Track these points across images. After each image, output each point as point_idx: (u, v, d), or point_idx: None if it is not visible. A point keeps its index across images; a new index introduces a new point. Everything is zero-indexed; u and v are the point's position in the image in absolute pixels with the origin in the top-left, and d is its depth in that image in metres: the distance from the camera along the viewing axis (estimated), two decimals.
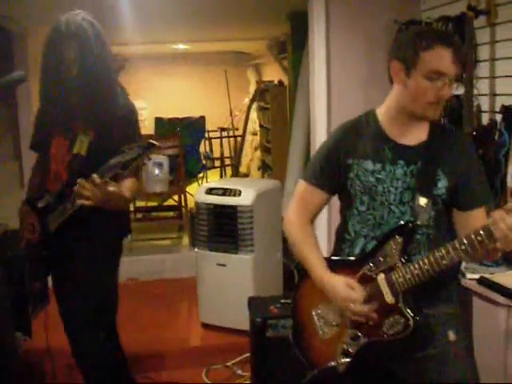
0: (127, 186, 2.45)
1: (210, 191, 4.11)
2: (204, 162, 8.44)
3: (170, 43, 9.11)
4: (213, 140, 9.59)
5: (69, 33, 2.43)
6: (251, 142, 9.67)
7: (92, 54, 2.44)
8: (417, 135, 2.02)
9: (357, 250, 2.08)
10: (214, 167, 9.26)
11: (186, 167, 7.27)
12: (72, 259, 2.57)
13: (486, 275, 2.70)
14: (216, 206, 4.04)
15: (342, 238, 2.16)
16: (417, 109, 1.94)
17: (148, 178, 5.85)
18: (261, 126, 8.32)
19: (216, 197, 4.06)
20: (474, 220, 1.92)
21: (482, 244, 1.73)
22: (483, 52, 3.19)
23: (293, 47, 5.80)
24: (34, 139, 2.75)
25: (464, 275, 2.75)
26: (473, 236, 1.74)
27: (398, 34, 2.04)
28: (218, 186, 4.15)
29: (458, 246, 1.78)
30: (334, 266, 2.07)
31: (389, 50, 1.99)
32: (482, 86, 3.21)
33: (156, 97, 10.57)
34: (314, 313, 2.13)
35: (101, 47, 2.48)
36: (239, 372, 3.71)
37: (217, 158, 9.29)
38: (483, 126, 3.13)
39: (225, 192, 4.04)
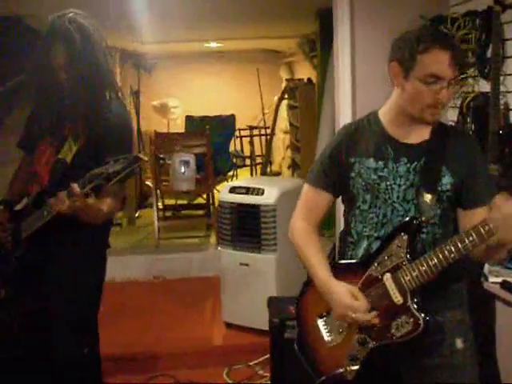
0: (108, 202, 2.37)
1: (233, 190, 4.09)
2: (234, 160, 8.43)
3: (202, 42, 9.13)
4: (244, 138, 9.57)
5: (54, 37, 2.37)
6: (283, 140, 9.62)
7: (79, 59, 2.37)
8: (419, 134, 1.99)
9: (360, 252, 2.04)
10: (245, 166, 9.24)
11: (216, 165, 7.27)
12: (50, 264, 2.53)
13: (509, 279, 2.62)
14: (239, 204, 4.01)
15: (345, 241, 2.13)
16: (415, 112, 1.92)
17: (174, 177, 5.85)
18: (291, 124, 8.27)
19: (239, 196, 4.03)
20: (477, 219, 1.85)
21: (489, 234, 1.70)
22: (511, 47, 3.09)
23: (321, 45, 5.74)
24: (22, 138, 2.69)
25: (487, 278, 2.67)
26: (480, 227, 1.71)
27: (398, 36, 1.98)
28: (241, 185, 4.11)
29: (465, 238, 1.74)
30: (338, 270, 2.03)
31: (389, 51, 1.96)
32: (510, 83, 3.11)
33: (188, 95, 10.58)
34: (319, 320, 2.09)
35: (90, 51, 2.40)
36: (261, 372, 3.68)
37: (247, 157, 9.26)
38: (510, 125, 3.03)
39: (248, 191, 4.01)
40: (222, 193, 4.15)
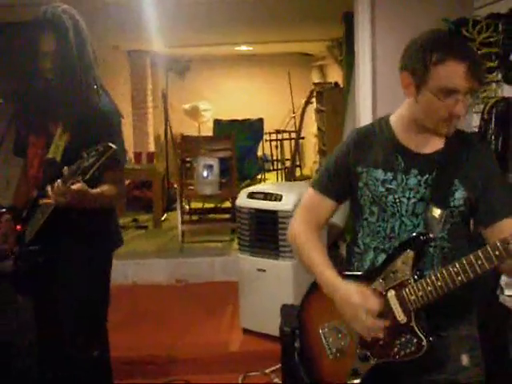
0: (105, 188, 2.38)
1: (251, 195, 4.05)
2: (262, 164, 8.40)
3: (233, 45, 9.13)
4: (273, 142, 9.53)
5: (46, 23, 2.35)
6: (314, 144, 9.56)
7: (69, 48, 2.36)
8: (432, 143, 1.87)
9: (366, 264, 1.95)
10: (275, 170, 9.20)
11: (244, 169, 7.25)
12: (58, 265, 2.52)
13: None
14: (257, 210, 3.97)
15: (351, 251, 2.04)
16: (429, 124, 1.81)
17: (198, 180, 5.84)
18: (318, 128, 8.21)
19: (257, 201, 3.99)
20: (499, 234, 1.74)
21: (499, 258, 1.60)
22: None
23: (347, 48, 5.67)
24: (15, 144, 2.67)
25: (503, 291, 2.57)
26: (490, 250, 1.61)
27: (410, 42, 1.84)
28: (259, 191, 4.08)
29: (474, 261, 1.64)
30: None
31: (400, 59, 1.83)
32: None
33: (219, 98, 10.60)
34: (321, 331, 2.01)
35: (80, 42, 2.39)
36: (276, 380, 3.62)
37: (276, 160, 9.22)
38: None
39: (266, 196, 3.97)
40: (240, 198, 4.12)
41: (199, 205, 7.21)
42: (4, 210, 3.20)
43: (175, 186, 7.13)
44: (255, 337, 4.06)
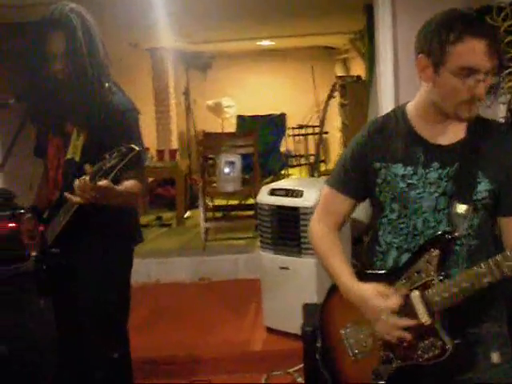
0: (127, 185, 2.34)
1: (272, 192, 3.99)
2: (285, 159, 8.33)
3: (255, 40, 9.08)
4: (297, 137, 9.45)
5: (53, 23, 2.31)
6: (339, 139, 9.46)
7: (78, 47, 2.31)
8: (453, 133, 1.78)
9: (389, 264, 1.87)
10: (299, 165, 9.11)
11: (267, 165, 7.19)
12: (79, 265, 2.50)
13: None
14: (278, 207, 3.90)
15: (373, 249, 1.95)
16: (448, 108, 1.71)
17: (220, 177, 5.79)
18: (343, 122, 8.11)
19: (278, 198, 3.92)
20: None
21: None
22: None
23: (369, 40, 5.57)
24: (35, 145, 2.66)
25: None
26: None
27: (425, 23, 1.74)
28: (279, 187, 4.01)
29: (502, 261, 1.56)
30: (363, 280, 1.86)
31: (415, 42, 1.74)
32: None
33: (243, 94, 10.55)
34: (343, 332, 1.94)
35: (89, 40, 2.35)
36: (300, 380, 3.56)
37: (300, 156, 9.14)
38: None
39: (287, 193, 3.90)
40: (261, 195, 4.05)
41: (223, 202, 7.17)
42: (23, 210, 3.21)
43: (198, 183, 7.09)
44: (279, 336, 3.99)
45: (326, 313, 2.05)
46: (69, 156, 2.44)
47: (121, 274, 2.62)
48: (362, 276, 1.89)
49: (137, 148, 2.09)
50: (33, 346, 3.12)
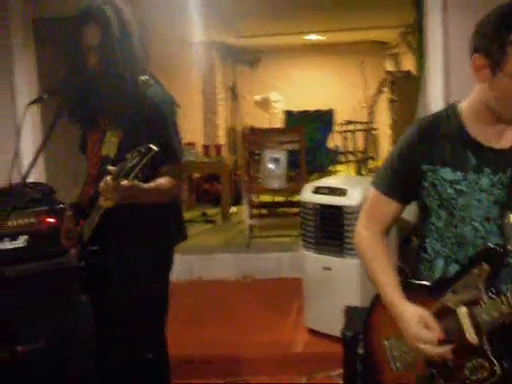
0: (159, 181, 2.30)
1: (315, 190, 3.88)
2: (333, 155, 8.20)
3: (304, 34, 8.97)
4: (345, 133, 9.29)
5: (89, 16, 2.26)
6: (389, 135, 9.27)
7: (111, 40, 2.26)
8: (508, 136, 1.65)
9: (436, 274, 1.76)
10: (347, 161, 8.96)
11: (314, 161, 7.09)
12: (116, 264, 2.45)
13: None
14: (321, 206, 3.79)
15: (419, 256, 1.84)
16: (504, 112, 1.59)
17: (264, 174, 5.71)
18: (392, 119, 7.93)
19: (321, 196, 3.82)
20: None
21: None
22: None
23: (419, 34, 5.39)
24: (80, 140, 2.62)
25: None
26: None
27: (483, 18, 1.59)
28: (323, 185, 3.90)
29: None
30: (408, 289, 1.76)
31: (471, 39, 1.60)
32: None
33: (291, 89, 10.44)
34: (386, 343, 1.84)
35: (124, 34, 2.29)
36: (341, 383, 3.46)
37: (348, 152, 8.99)
38: None
39: (331, 191, 3.79)
40: (304, 193, 3.95)
41: (269, 198, 7.09)
42: (62, 206, 3.20)
43: (243, 179, 7.04)
44: (320, 338, 3.89)
45: (370, 321, 1.95)
46: (104, 153, 2.41)
47: (159, 273, 2.56)
48: (407, 286, 1.79)
49: (155, 148, 2.03)
50: (70, 342, 3.12)
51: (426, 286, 1.76)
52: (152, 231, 2.48)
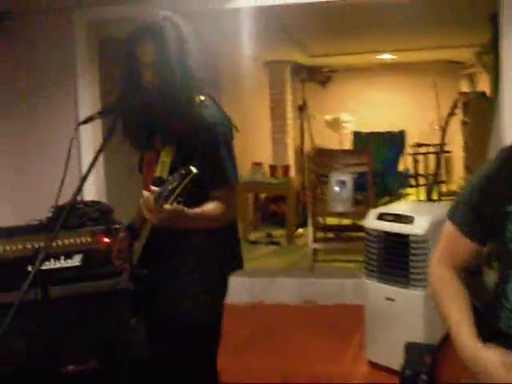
0: (206, 207, 2.20)
1: (380, 216, 3.71)
2: (403, 179, 7.95)
3: (376, 53, 8.81)
4: (416, 156, 9.00)
5: (146, 33, 2.19)
6: (463, 158, 8.94)
7: (167, 57, 2.17)
8: None
9: None
10: (417, 185, 8.66)
11: (384, 184, 6.88)
12: (163, 292, 2.37)
13: None
14: (386, 233, 3.62)
15: (499, 302, 1.67)
16: None
17: (330, 197, 5.56)
18: (465, 142, 7.63)
19: (387, 223, 3.64)
20: None
21: None
22: None
23: (494, 53, 5.15)
24: (138, 162, 2.55)
25: None
26: None
27: None
28: (389, 211, 3.73)
29: None
30: (486, 338, 1.60)
31: None
32: None
33: (362, 109, 10.24)
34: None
35: (181, 51, 2.20)
36: None
37: (420, 175, 8.69)
38: None
39: (397, 218, 3.61)
40: (369, 219, 3.79)
41: (334, 221, 6.92)
42: (118, 226, 3.16)
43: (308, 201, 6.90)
44: (382, 371, 3.70)
45: (442, 360, 1.79)
46: (158, 173, 2.33)
47: (212, 302, 2.45)
48: (486, 334, 1.62)
49: (194, 170, 1.93)
50: (120, 365, 3.08)
51: (508, 336, 1.60)
52: (204, 258, 2.39)
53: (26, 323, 2.72)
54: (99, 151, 2.26)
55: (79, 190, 2.24)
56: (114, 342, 3.08)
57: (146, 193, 2.02)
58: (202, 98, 2.31)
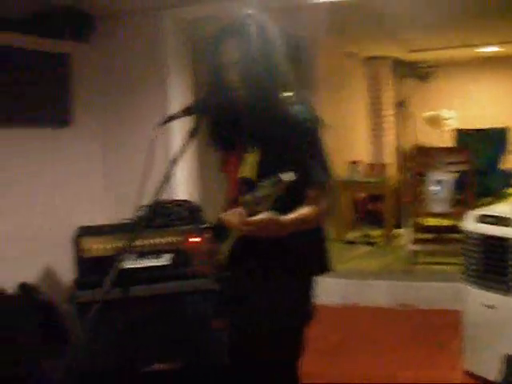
0: (299, 212, 2.12)
1: (480, 219, 3.51)
2: (508, 177, 7.54)
3: (478, 46, 8.43)
4: None
5: (229, 30, 2.15)
6: None
7: (252, 56, 2.12)
8: None
9: None
10: None
11: (486, 183, 6.57)
12: (249, 297, 2.30)
13: None
14: (486, 236, 3.42)
15: None
16: None
17: (427, 196, 5.35)
18: None
19: (487, 226, 3.43)
20: None
21: None
22: None
23: None
24: (219, 159, 2.50)
25: None
26: None
27: None
28: (489, 213, 3.50)
29: None
30: None
31: None
32: None
33: (463, 105, 9.82)
34: None
35: (266, 49, 2.14)
36: None
37: None
38: None
39: (497, 220, 3.40)
40: (467, 221, 3.59)
41: (433, 222, 6.66)
42: (206, 225, 3.15)
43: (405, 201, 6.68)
44: (478, 382, 3.50)
45: None
46: (243, 174, 2.29)
47: (297, 308, 2.38)
48: None
49: (284, 179, 1.86)
50: (204, 365, 3.07)
51: None
52: (290, 261, 2.32)
53: (113, 321, 2.77)
54: (180, 152, 2.23)
55: (161, 190, 2.22)
56: (196, 343, 3.08)
57: (237, 210, 1.98)
58: (290, 94, 2.25)
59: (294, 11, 4.46)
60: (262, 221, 1.94)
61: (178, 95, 4.09)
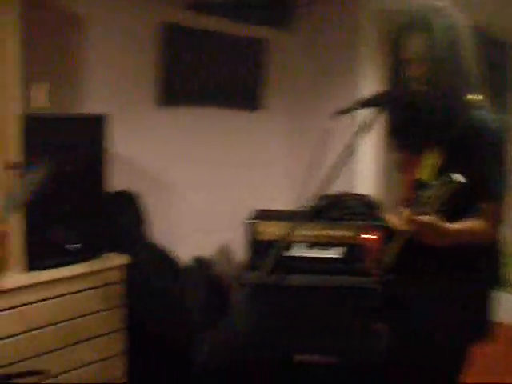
0: (464, 224, 1.99)
1: None
2: None
3: None
4: None
5: (412, 24, 2.04)
6: None
7: (435, 52, 2.01)
8: None
9: None
10: None
11: None
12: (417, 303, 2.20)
13: None
14: None
15: None
16: None
17: None
18: None
19: None
20: None
21: None
22: None
23: None
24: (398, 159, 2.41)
25: None
26: None
27: None
28: None
29: None
30: None
31: None
32: None
33: None
34: None
35: (452, 45, 2.01)
36: None
37: None
38: None
39: None
40: None
41: None
42: (382, 224, 3.09)
43: None
44: None
45: None
46: (419, 176, 2.20)
47: (466, 322, 2.23)
48: None
49: (456, 180, 1.75)
50: (360, 366, 3.01)
51: None
52: (460, 269, 2.19)
53: (273, 305, 2.81)
54: (350, 145, 2.19)
55: (328, 183, 2.19)
56: (355, 341, 3.03)
57: (402, 211, 1.92)
58: (475, 97, 2.12)
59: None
60: (425, 221, 1.87)
61: (369, 87, 4.00)
